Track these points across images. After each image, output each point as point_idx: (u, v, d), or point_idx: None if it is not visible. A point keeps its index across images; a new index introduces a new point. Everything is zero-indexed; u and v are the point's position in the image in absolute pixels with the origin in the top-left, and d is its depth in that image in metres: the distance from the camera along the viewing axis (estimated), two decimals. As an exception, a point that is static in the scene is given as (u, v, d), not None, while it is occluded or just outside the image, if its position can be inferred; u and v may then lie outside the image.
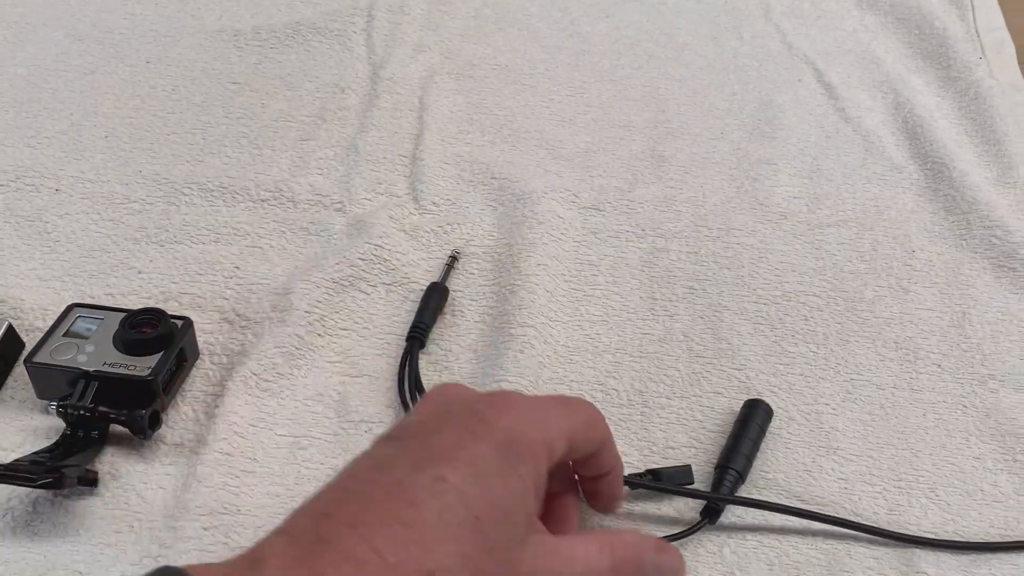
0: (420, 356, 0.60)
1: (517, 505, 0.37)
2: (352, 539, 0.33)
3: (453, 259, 0.66)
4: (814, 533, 0.51)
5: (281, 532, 0.35)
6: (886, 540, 0.51)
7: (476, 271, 0.66)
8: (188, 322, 0.57)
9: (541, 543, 0.38)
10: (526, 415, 0.39)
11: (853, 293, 0.65)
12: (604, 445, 0.43)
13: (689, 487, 0.52)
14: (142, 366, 0.53)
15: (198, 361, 0.58)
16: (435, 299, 0.62)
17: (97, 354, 0.54)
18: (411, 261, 0.66)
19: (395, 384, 0.58)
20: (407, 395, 0.57)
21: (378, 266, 0.64)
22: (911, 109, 0.80)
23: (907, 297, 0.65)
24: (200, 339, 0.59)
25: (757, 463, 0.54)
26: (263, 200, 0.70)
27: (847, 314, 0.64)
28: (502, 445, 0.37)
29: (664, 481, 0.52)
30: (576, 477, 0.45)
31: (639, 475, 0.52)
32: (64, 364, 0.53)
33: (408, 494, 0.35)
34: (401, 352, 0.60)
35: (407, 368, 0.58)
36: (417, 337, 0.60)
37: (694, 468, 0.53)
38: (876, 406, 0.58)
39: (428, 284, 0.63)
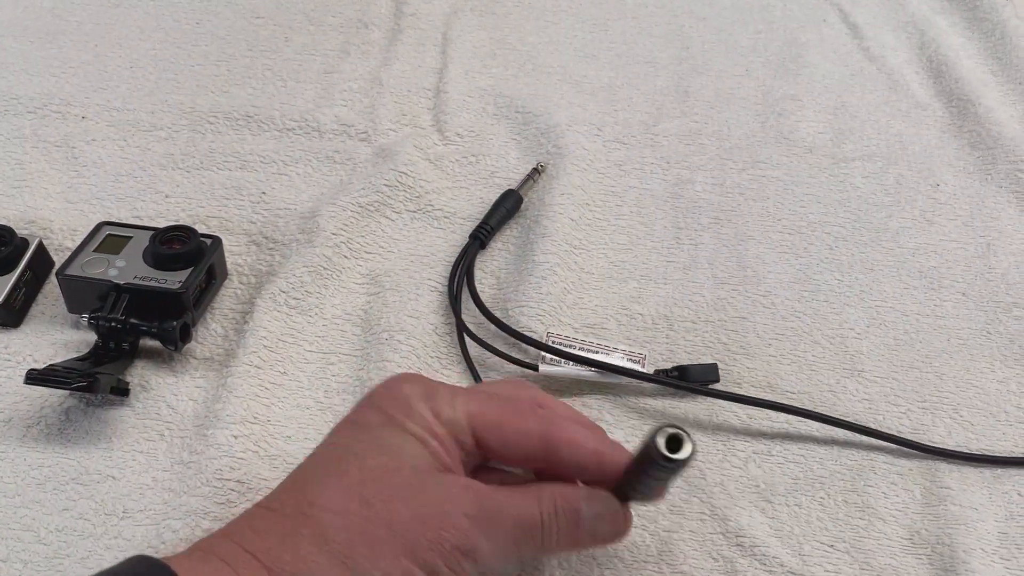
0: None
1: (399, 442, 0.38)
2: (254, 509, 0.38)
3: (535, 170, 0.66)
4: (839, 448, 0.52)
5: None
6: (911, 454, 0.51)
7: (500, 200, 0.66)
8: (217, 240, 0.57)
9: (458, 479, 0.39)
10: (407, 381, 0.41)
11: (878, 224, 0.65)
12: (552, 435, 0.39)
13: (711, 386, 0.54)
14: (172, 280, 0.54)
15: (227, 281, 0.59)
16: (507, 204, 0.64)
17: (128, 268, 0.54)
18: (435, 189, 0.66)
19: (418, 299, 0.58)
20: (455, 289, 0.58)
21: (403, 193, 0.65)
22: (936, 49, 0.80)
23: (932, 229, 0.65)
24: (228, 260, 0.59)
25: (780, 384, 0.55)
26: (289, 130, 0.70)
27: (872, 244, 0.64)
28: (380, 407, 0.39)
29: (691, 378, 0.53)
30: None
31: (666, 371, 0.54)
32: (95, 277, 0.54)
33: (302, 464, 0.40)
34: (425, 276, 0.60)
35: (462, 264, 0.60)
36: (479, 237, 0.61)
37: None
38: (901, 331, 0.58)
39: (504, 191, 0.65)
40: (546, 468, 0.40)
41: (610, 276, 0.61)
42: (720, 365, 0.55)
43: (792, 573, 0.46)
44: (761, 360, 0.56)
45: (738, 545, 0.47)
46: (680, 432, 0.33)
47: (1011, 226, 0.65)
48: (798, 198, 0.67)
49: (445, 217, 0.64)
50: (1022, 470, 0.51)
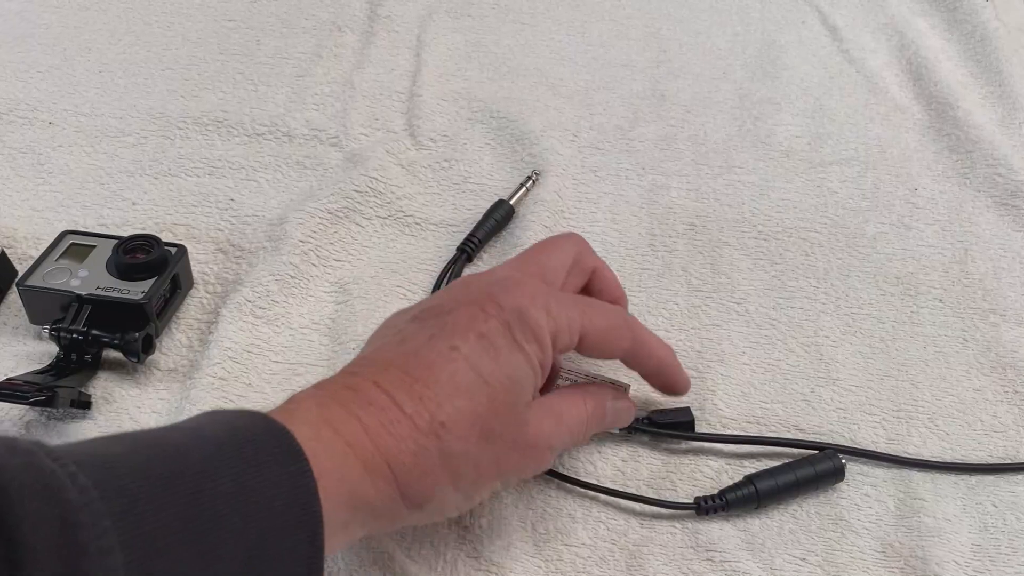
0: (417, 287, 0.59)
1: (522, 375, 0.41)
2: (375, 391, 0.39)
3: (529, 179, 0.65)
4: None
5: (312, 386, 0.40)
6: (884, 465, 0.50)
7: (472, 207, 0.65)
8: (182, 249, 0.56)
9: (541, 405, 0.43)
10: (536, 300, 0.42)
11: (855, 229, 0.64)
12: (637, 349, 0.46)
13: (681, 431, 0.52)
14: (135, 290, 0.53)
15: (192, 291, 0.58)
16: (496, 215, 0.62)
17: (90, 279, 0.53)
18: (407, 195, 0.65)
19: (387, 308, 0.57)
20: None
21: (373, 199, 0.64)
22: (916, 51, 0.79)
23: (909, 234, 0.64)
24: (195, 269, 0.58)
25: (754, 393, 0.54)
26: (259, 135, 0.69)
27: (848, 250, 0.63)
28: (509, 324, 0.41)
29: (663, 425, 0.51)
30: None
31: (637, 420, 0.51)
32: (57, 288, 0.53)
33: (424, 360, 0.40)
34: (395, 283, 0.59)
35: (447, 278, 0.59)
36: (466, 250, 0.60)
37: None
38: (876, 339, 0.57)
39: (495, 200, 0.64)
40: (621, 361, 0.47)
41: (583, 283, 0.60)
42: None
43: (763, 588, 0.45)
44: (735, 368, 0.55)
45: (708, 560, 0.46)
46: None
47: (989, 231, 0.65)
48: (774, 203, 0.66)
49: (416, 224, 0.63)
50: (996, 480, 0.50)
